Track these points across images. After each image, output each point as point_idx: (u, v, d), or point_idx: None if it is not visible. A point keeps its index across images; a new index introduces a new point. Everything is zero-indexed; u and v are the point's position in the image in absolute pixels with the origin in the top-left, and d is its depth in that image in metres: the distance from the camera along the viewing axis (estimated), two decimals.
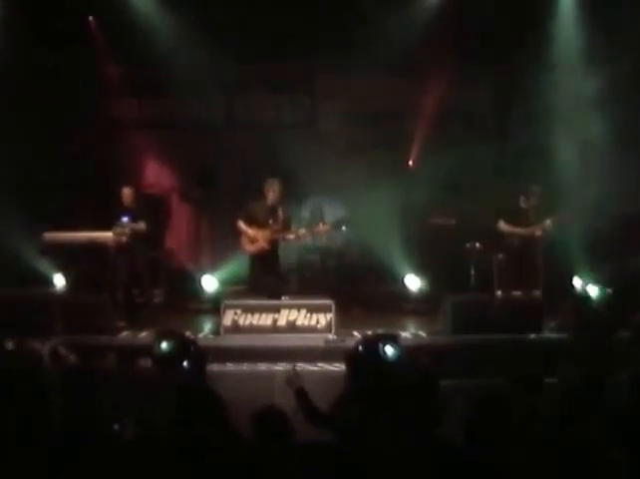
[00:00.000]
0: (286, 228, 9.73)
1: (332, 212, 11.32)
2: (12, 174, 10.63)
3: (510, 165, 11.58)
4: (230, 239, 10.18)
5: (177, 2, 11.27)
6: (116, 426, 3.72)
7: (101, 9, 11.20)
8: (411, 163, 12.28)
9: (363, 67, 11.64)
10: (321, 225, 10.17)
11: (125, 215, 10.04)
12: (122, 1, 11.18)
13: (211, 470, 3.44)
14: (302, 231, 10.05)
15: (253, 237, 9.61)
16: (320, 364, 8.22)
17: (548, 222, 9.84)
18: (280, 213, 9.67)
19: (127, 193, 10.17)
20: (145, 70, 11.71)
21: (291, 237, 9.85)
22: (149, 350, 5.76)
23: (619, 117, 10.75)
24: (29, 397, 3.88)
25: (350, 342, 8.04)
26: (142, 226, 9.95)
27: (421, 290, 11.20)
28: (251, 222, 9.64)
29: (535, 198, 9.95)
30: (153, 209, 10.97)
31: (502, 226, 10.08)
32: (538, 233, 9.94)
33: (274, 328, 9.13)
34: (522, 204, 10.00)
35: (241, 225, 9.65)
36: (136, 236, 9.97)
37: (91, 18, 11.61)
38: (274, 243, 9.72)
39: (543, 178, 10.61)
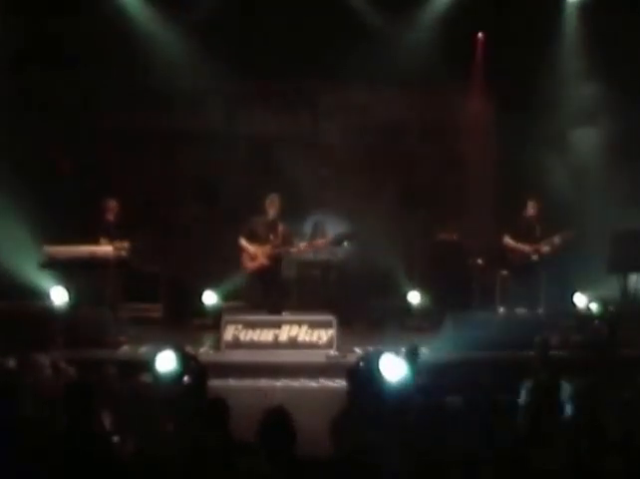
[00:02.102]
0: (287, 242, 9.70)
1: (334, 227, 11.29)
2: (11, 187, 10.61)
3: (512, 180, 11.58)
4: (231, 254, 10.15)
5: (180, 17, 11.32)
6: (116, 439, 3.70)
7: (100, 20, 11.19)
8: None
9: (364, 82, 11.67)
10: (321, 239, 10.15)
11: (111, 228, 9.72)
12: (124, 15, 11.23)
13: None
14: (304, 244, 10.00)
15: (253, 254, 9.60)
16: (321, 380, 8.18)
17: (557, 239, 9.73)
18: (281, 228, 9.66)
19: (111, 205, 9.86)
20: (146, 83, 11.71)
21: (293, 250, 9.82)
22: (149, 365, 5.74)
23: (616, 132, 10.79)
24: (30, 411, 3.86)
25: (351, 358, 8.04)
26: (124, 244, 9.51)
27: (423, 306, 11.17)
28: (252, 238, 9.63)
29: (535, 209, 9.91)
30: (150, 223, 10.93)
31: (508, 241, 10.01)
32: (546, 249, 9.84)
33: (275, 344, 9.09)
34: (525, 217, 9.96)
35: (242, 242, 9.64)
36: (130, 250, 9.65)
37: None
38: (275, 259, 9.69)
39: (543, 193, 10.61)
